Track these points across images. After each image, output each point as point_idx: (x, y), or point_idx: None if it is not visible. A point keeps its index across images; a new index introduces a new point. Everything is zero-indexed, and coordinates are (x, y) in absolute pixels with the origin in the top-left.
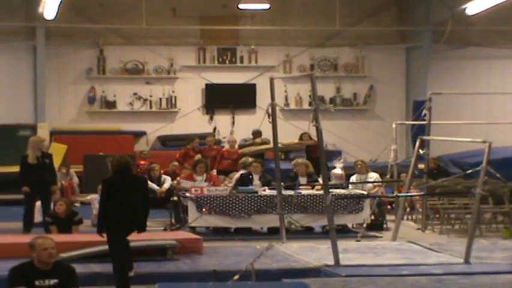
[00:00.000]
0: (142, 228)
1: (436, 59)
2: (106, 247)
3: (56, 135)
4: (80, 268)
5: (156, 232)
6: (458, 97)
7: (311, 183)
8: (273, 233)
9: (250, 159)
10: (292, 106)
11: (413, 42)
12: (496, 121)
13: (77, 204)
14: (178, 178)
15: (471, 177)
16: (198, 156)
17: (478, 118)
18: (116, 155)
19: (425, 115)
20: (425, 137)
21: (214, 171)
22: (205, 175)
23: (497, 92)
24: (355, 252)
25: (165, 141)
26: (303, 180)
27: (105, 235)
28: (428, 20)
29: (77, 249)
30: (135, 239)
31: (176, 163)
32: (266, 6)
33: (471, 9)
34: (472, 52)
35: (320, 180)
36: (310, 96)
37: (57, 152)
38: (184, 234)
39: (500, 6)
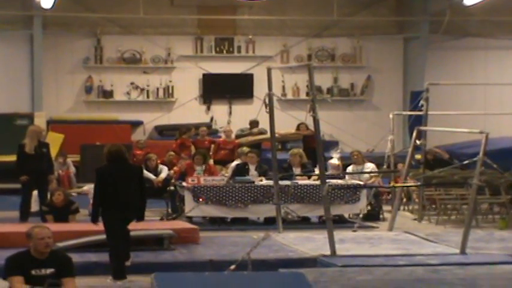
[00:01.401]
0: (140, 217)
1: (433, 49)
2: (102, 236)
3: (52, 124)
4: (76, 257)
5: (152, 222)
6: (455, 88)
7: (306, 173)
8: (269, 223)
9: (244, 149)
10: (290, 96)
11: (411, 33)
12: (493, 112)
13: (74, 194)
14: (175, 168)
15: (468, 168)
16: (193, 148)
17: (476, 109)
18: (109, 144)
19: (422, 105)
20: (422, 128)
21: (211, 161)
22: (204, 166)
23: (494, 83)
24: (351, 243)
25: (162, 131)
26: (296, 170)
27: (100, 224)
28: (425, 11)
29: (74, 239)
30: (132, 228)
31: (172, 153)
32: None
33: None
34: (469, 43)
35: (316, 170)
36: (307, 86)
37: (54, 141)
38: (180, 224)
39: None
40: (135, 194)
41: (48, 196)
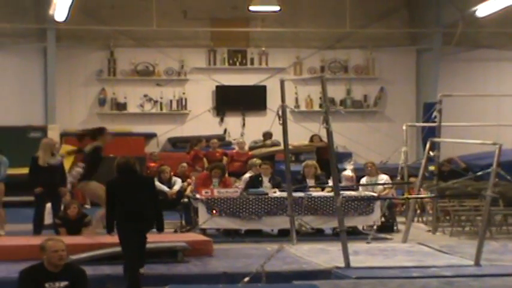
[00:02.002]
0: (160, 228)
1: (446, 61)
2: (115, 249)
3: (66, 137)
4: (90, 270)
5: (166, 234)
6: (468, 99)
7: (320, 185)
8: (283, 235)
9: (257, 161)
10: (303, 108)
11: (424, 44)
12: (506, 123)
13: (87, 206)
14: (188, 180)
15: (481, 179)
16: (205, 160)
17: (488, 120)
18: (119, 157)
19: (435, 117)
20: (435, 139)
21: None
22: (220, 178)
23: (507, 94)
24: (365, 254)
25: (176, 143)
26: (310, 182)
27: (115, 235)
28: (438, 22)
29: (87, 251)
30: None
31: (185, 164)
32: (276, 8)
33: (481, 11)
34: (482, 54)
35: (329, 182)
36: (320, 98)
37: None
38: (194, 236)
39: (510, 8)
40: (146, 205)
41: (62, 208)
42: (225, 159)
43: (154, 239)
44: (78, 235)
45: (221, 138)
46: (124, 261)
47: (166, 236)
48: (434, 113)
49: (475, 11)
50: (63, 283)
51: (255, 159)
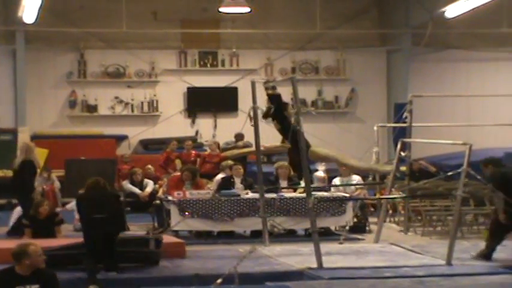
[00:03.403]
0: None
1: (416, 61)
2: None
3: (36, 139)
4: (60, 273)
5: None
6: (438, 99)
7: (292, 186)
8: (255, 236)
9: (228, 162)
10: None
11: (394, 45)
12: (476, 123)
13: (59, 209)
14: (160, 182)
15: (452, 179)
16: (178, 161)
17: (458, 120)
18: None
19: (406, 117)
20: (406, 140)
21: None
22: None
23: (476, 94)
24: (338, 255)
25: (147, 145)
26: (283, 183)
27: None
28: (408, 23)
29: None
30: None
31: (150, 166)
32: (247, 9)
33: (450, 12)
34: (451, 55)
35: (302, 183)
36: (291, 99)
37: (39, 156)
38: (167, 238)
39: (479, 9)
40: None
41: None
42: (198, 161)
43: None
44: (50, 235)
45: (193, 139)
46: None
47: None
48: (405, 114)
49: (444, 12)
50: (34, 286)
51: (228, 161)
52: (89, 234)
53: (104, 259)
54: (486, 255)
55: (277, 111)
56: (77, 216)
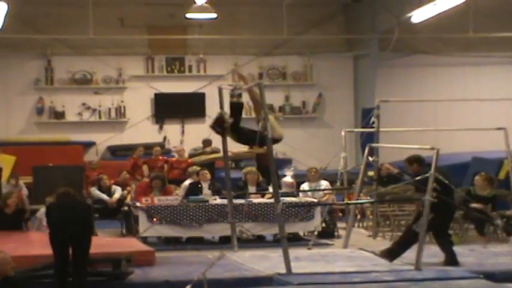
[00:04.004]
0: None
1: (383, 66)
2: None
3: (4, 146)
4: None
5: (107, 241)
6: (406, 104)
7: (260, 191)
8: (224, 242)
9: (195, 168)
10: (242, 115)
11: (361, 50)
12: (443, 127)
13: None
14: (128, 188)
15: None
16: (145, 167)
17: (426, 125)
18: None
19: (373, 122)
20: (374, 145)
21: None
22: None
23: (444, 99)
24: (306, 260)
25: (115, 151)
26: (252, 189)
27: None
28: (374, 29)
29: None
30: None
31: (125, 172)
32: (213, 15)
33: (416, 17)
34: (418, 60)
35: (270, 188)
36: (260, 104)
37: (6, 163)
38: (136, 246)
39: (445, 14)
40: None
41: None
42: (165, 167)
43: (96, 247)
44: (19, 229)
45: (161, 145)
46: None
47: (108, 245)
48: (373, 119)
49: (410, 17)
50: None
51: (194, 167)
52: (58, 238)
53: (73, 272)
54: (390, 256)
55: (234, 124)
56: (44, 223)
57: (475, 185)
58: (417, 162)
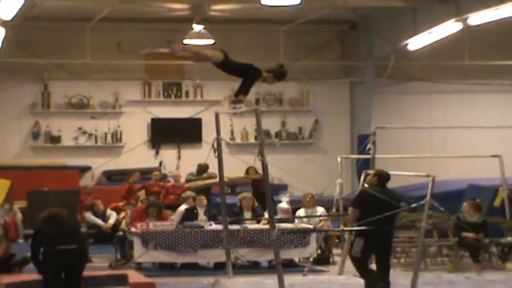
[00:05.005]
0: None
1: (379, 93)
2: None
3: None
4: None
5: (103, 269)
6: (401, 131)
7: (256, 217)
8: (219, 268)
9: (189, 193)
10: (238, 140)
11: (357, 77)
12: (439, 154)
13: (21, 240)
14: (123, 213)
15: (415, 211)
16: (142, 192)
17: (421, 152)
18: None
19: (369, 149)
20: (370, 171)
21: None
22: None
23: (439, 126)
24: (301, 287)
25: (111, 176)
26: (247, 214)
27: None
28: (371, 55)
29: None
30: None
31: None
32: (211, 41)
33: (413, 45)
34: (414, 87)
35: (266, 214)
36: (255, 130)
37: (0, 188)
38: (136, 277)
39: (441, 42)
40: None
41: None
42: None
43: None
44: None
45: (156, 171)
46: None
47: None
48: (369, 145)
49: (406, 44)
50: None
51: (189, 192)
52: (51, 268)
53: None
54: None
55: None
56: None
57: (463, 212)
58: (378, 177)
